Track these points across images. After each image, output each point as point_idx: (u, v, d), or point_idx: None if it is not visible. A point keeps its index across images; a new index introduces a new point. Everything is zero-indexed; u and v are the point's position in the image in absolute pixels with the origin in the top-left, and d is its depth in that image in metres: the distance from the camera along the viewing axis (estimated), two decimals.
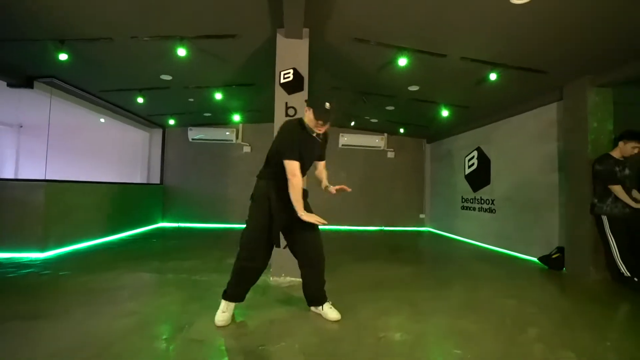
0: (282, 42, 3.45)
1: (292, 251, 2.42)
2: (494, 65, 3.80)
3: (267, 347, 1.96)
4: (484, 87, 4.42)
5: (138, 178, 7.58)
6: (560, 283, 3.64)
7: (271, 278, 3.39)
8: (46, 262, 3.84)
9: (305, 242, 2.33)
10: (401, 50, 3.65)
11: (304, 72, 3.46)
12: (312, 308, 2.47)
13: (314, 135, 2.29)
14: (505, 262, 4.65)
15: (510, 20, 2.95)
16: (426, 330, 2.26)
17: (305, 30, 3.43)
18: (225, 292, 2.32)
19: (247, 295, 2.43)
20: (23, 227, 4.12)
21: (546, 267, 4.31)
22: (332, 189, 2.39)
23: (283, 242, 2.39)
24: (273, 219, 2.22)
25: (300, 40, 3.44)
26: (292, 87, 3.41)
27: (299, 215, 2.14)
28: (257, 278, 2.35)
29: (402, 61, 3.70)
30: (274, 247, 2.30)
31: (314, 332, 2.16)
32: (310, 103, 2.21)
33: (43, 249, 4.17)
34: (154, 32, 3.43)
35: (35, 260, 3.89)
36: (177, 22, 3.29)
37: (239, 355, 1.87)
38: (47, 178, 4.36)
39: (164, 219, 7.77)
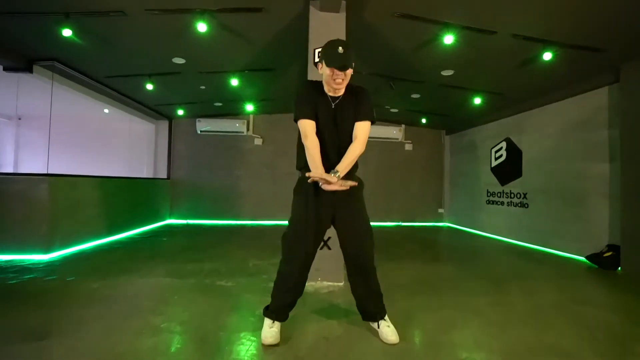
0: (316, 16, 3.05)
1: (343, 254, 2.03)
2: (546, 44, 3.40)
3: None
4: (527, 70, 4.03)
5: (144, 172, 7.18)
6: (624, 284, 3.29)
7: (307, 283, 3.02)
8: (51, 265, 3.46)
9: (351, 243, 1.91)
10: (447, 26, 3.25)
11: None
12: (370, 322, 2.07)
13: (336, 99, 1.86)
14: (546, 260, 4.30)
15: None
16: (510, 347, 1.90)
17: (343, 3, 3.03)
18: (267, 306, 1.96)
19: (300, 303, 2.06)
20: (26, 226, 3.73)
21: (596, 266, 3.96)
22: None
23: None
24: (312, 214, 1.83)
25: (337, 14, 3.04)
26: None
27: (320, 184, 1.72)
28: (296, 289, 1.95)
29: (448, 39, 3.30)
30: (317, 250, 1.95)
31: (381, 353, 1.80)
32: (321, 56, 1.83)
33: (47, 250, 3.79)
34: (173, 3, 3.01)
35: (39, 264, 3.51)
36: None
37: None
38: (50, 172, 3.96)
39: (171, 215, 7.38)
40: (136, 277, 3.12)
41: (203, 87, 5.33)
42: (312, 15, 3.06)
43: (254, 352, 1.78)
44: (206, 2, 3.03)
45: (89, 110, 5.88)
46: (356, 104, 1.86)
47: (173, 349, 1.78)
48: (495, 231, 6.21)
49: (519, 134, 5.70)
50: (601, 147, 4.16)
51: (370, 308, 1.99)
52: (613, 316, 2.42)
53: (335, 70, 1.74)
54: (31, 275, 3.06)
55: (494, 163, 6.32)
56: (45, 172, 3.87)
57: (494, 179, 6.32)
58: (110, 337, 1.89)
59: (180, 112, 6.77)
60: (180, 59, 4.17)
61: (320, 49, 2.93)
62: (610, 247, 3.93)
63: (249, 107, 6.64)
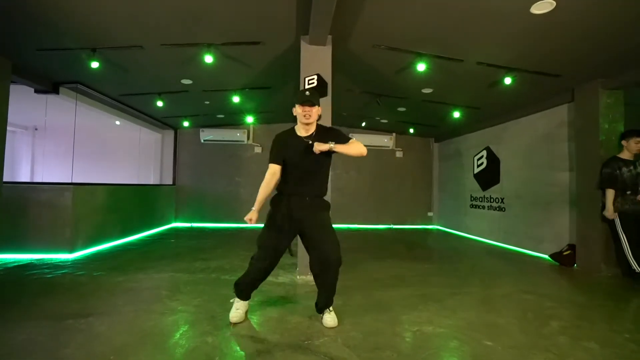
0: (306, 48, 3.58)
1: (310, 259, 2.40)
2: (508, 70, 3.93)
3: (312, 341, 2.10)
4: (496, 90, 4.56)
5: (151, 179, 7.71)
6: (573, 279, 3.79)
7: (298, 277, 3.53)
8: (77, 263, 3.98)
9: (322, 241, 2.25)
10: (420, 55, 3.78)
11: (328, 77, 3.60)
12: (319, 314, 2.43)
13: (308, 136, 2.29)
14: (517, 259, 4.80)
15: (528, 28, 3.08)
16: (456, 323, 2.41)
17: (329, 37, 3.55)
18: (238, 289, 2.42)
19: (282, 293, 2.59)
20: (52, 229, 4.25)
21: (557, 263, 4.46)
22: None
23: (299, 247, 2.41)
24: (282, 228, 2.26)
25: (324, 47, 3.57)
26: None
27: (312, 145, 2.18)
28: (264, 278, 2.41)
29: (421, 66, 3.83)
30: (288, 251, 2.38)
31: (353, 327, 2.31)
32: (293, 102, 2.33)
33: (72, 250, 4.31)
34: (184, 39, 3.55)
35: (66, 261, 4.03)
36: (208, 30, 3.42)
37: (288, 349, 2.01)
38: (72, 181, 4.48)
39: (176, 219, 7.90)
40: (152, 272, 3.63)
41: (207, 102, 5.87)
42: (302, 48, 3.59)
43: (253, 325, 2.29)
44: (212, 37, 3.57)
45: (101, 122, 6.42)
46: (332, 138, 2.28)
47: (190, 325, 2.29)
48: (478, 233, 6.72)
49: (497, 144, 6.23)
50: (563, 158, 4.68)
51: (329, 300, 2.36)
52: (550, 302, 2.92)
53: (305, 107, 2.24)
54: (64, 271, 3.58)
55: (477, 170, 6.84)
56: (68, 181, 4.38)
57: (476, 185, 6.83)
58: (140, 316, 2.40)
59: (186, 123, 7.32)
60: (188, 80, 4.72)
61: (309, 77, 3.48)
62: (570, 246, 4.44)
63: (249, 119, 7.18)
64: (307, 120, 2.27)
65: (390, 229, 8.11)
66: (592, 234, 4.02)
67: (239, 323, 2.33)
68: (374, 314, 2.52)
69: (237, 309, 2.38)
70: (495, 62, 3.84)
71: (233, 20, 3.27)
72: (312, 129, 2.34)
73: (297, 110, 2.29)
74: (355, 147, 2.24)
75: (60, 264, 3.91)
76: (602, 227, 3.89)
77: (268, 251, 2.30)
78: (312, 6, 2.86)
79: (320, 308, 2.39)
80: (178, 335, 2.12)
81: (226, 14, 3.16)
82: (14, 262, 3.94)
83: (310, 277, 3.49)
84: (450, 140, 7.86)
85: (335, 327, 2.30)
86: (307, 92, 2.29)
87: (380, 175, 8.33)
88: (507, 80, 3.98)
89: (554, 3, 2.62)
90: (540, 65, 3.84)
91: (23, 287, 3.06)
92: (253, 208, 2.27)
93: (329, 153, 2.23)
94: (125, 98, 5.40)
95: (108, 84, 4.80)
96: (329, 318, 2.33)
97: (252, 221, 2.24)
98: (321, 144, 2.15)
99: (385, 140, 8.15)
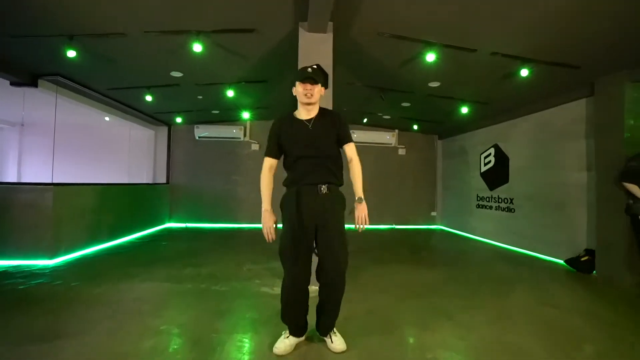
0: (304, 36, 3.25)
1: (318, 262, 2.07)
2: (524, 61, 3.61)
3: None
4: (509, 83, 4.24)
5: (144, 177, 7.39)
6: (594, 288, 3.49)
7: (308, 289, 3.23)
8: (56, 271, 3.67)
9: (324, 257, 1.97)
10: (429, 45, 3.46)
11: (328, 68, 3.26)
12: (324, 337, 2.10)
13: (309, 119, 2.01)
14: (529, 264, 4.51)
15: (550, 12, 2.76)
16: (473, 345, 2.11)
17: (330, 24, 3.23)
18: (286, 323, 2.07)
19: (276, 308, 2.27)
20: (32, 233, 3.95)
21: (574, 270, 4.17)
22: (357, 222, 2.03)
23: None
24: (296, 230, 1.95)
25: (324, 35, 3.25)
26: None
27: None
28: (303, 295, 2.02)
29: (430, 56, 3.51)
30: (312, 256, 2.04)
31: (358, 353, 2.01)
32: (293, 82, 2.05)
33: (53, 255, 4.01)
34: (170, 26, 3.23)
35: (45, 269, 3.72)
36: (195, 16, 3.09)
37: None
38: (54, 181, 4.17)
39: (171, 219, 7.60)
40: (136, 281, 3.33)
41: (200, 97, 5.54)
42: (301, 35, 3.26)
43: (243, 351, 1.99)
44: (201, 24, 3.24)
45: (90, 118, 6.09)
46: (334, 126, 2.03)
47: (171, 349, 1.99)
48: (484, 234, 6.42)
49: (505, 141, 5.91)
50: (579, 156, 4.36)
51: (326, 322, 2.06)
52: (575, 318, 2.62)
53: (306, 85, 1.94)
54: (39, 281, 3.28)
55: (483, 168, 6.53)
56: (49, 181, 4.07)
57: (483, 184, 6.52)
58: (114, 338, 2.10)
59: (179, 119, 6.99)
60: (178, 72, 4.39)
61: (307, 67, 3.16)
62: (587, 251, 4.14)
63: (245, 115, 6.85)
64: (308, 99, 1.97)
65: (392, 229, 7.81)
66: (614, 239, 3.72)
67: (282, 355, 1.97)
68: (380, 335, 2.22)
69: (286, 338, 2.04)
70: (511, 52, 3.52)
71: (223, 5, 2.94)
72: (315, 111, 2.04)
73: (298, 89, 2.00)
74: (359, 168, 2.10)
75: (38, 271, 3.60)
76: (625, 231, 3.59)
77: (291, 264, 1.94)
78: None
79: (324, 330, 2.07)
80: None
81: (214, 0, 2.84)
82: None
83: (313, 287, 3.21)
84: (455, 137, 7.54)
85: (344, 351, 1.99)
86: (310, 69, 1.98)
87: (382, 173, 8.01)
88: (524, 72, 3.66)
89: None
90: (559, 56, 3.52)
91: None
92: (263, 208, 2.01)
93: (334, 137, 2.03)
94: (112, 92, 5.07)
95: (92, 77, 4.46)
96: (338, 342, 2.03)
97: (272, 229, 1.98)
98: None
99: (388, 137, 7.83)
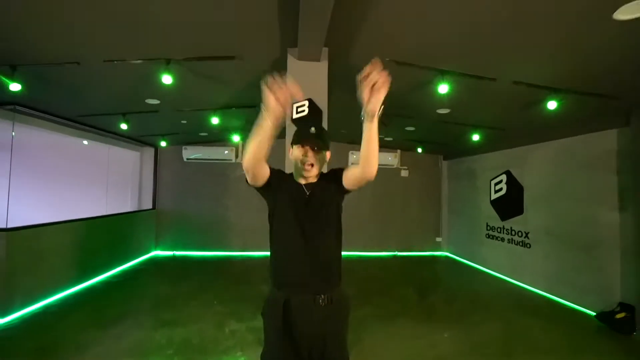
0: (294, 65, 2.74)
1: None
2: (553, 90, 3.09)
3: None
4: (532, 110, 3.72)
5: (128, 203, 6.82)
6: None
7: None
8: (4, 335, 3.11)
9: None
10: (442, 73, 2.94)
11: (323, 101, 2.76)
12: None
13: (307, 184, 1.57)
14: (554, 315, 3.95)
15: (603, 38, 2.25)
16: None
17: (324, 50, 2.72)
18: None
19: None
20: None
21: (606, 325, 3.61)
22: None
23: None
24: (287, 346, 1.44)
25: (317, 63, 2.73)
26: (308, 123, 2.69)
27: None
28: None
29: (443, 88, 2.98)
30: None
31: None
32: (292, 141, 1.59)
33: (4, 312, 3.44)
34: (134, 54, 2.71)
35: None
36: (161, 43, 2.59)
37: None
38: (10, 225, 3.62)
39: (157, 247, 7.03)
40: (90, 356, 2.76)
41: (184, 122, 5.02)
42: (290, 64, 2.75)
43: None
44: (170, 52, 2.72)
45: (64, 143, 5.49)
46: (332, 179, 1.56)
47: None
48: (496, 268, 5.86)
49: (520, 168, 5.38)
50: (610, 192, 3.83)
51: None
52: None
53: (309, 151, 1.49)
54: None
55: (494, 196, 5.99)
56: (3, 224, 3.53)
57: (493, 213, 5.98)
58: None
59: (163, 143, 6.45)
60: (154, 100, 3.87)
61: (298, 104, 2.63)
62: (622, 306, 3.59)
63: (235, 138, 6.34)
64: (307, 173, 1.53)
65: (394, 256, 7.26)
66: None
67: None
68: None
69: None
70: (538, 82, 3.00)
71: (195, 30, 2.43)
72: (313, 178, 1.55)
73: (294, 152, 1.55)
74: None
75: None
76: None
77: None
78: (300, 14, 2.03)
79: None
80: None
81: (183, 25, 2.33)
82: None
83: None
84: (461, 159, 7.02)
85: None
86: (313, 129, 1.51)
87: (384, 196, 7.46)
88: (552, 105, 3.14)
89: None
90: (592, 86, 3.01)
91: None
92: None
93: (337, 197, 1.56)
94: (85, 119, 4.55)
95: (55, 105, 3.94)
96: None
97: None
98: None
99: (390, 159, 7.30)
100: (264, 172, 1.46)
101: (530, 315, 3.92)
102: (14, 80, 2.73)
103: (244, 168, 1.40)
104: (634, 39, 2.22)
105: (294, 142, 1.57)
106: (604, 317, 3.66)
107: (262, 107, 1.27)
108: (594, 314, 3.86)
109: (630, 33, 2.13)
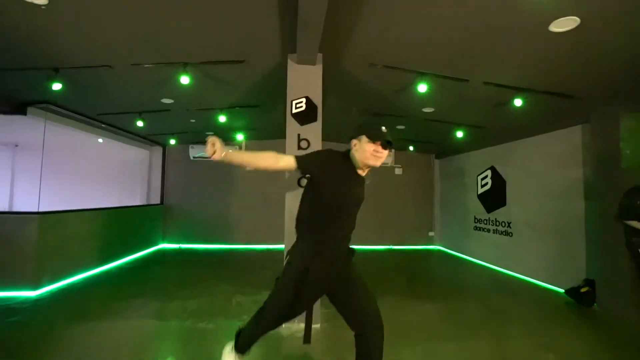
0: (293, 68, 3.21)
1: (345, 318, 1.85)
2: (518, 90, 3.56)
3: None
4: (504, 110, 4.18)
5: (137, 198, 7.29)
6: (596, 326, 3.36)
7: (283, 325, 3.10)
8: (37, 305, 3.54)
9: (358, 299, 1.81)
10: (421, 75, 3.41)
11: (318, 100, 3.22)
12: None
13: (362, 174, 1.82)
14: (528, 294, 4.37)
15: (545, 47, 2.71)
16: None
17: (319, 56, 3.19)
18: (236, 343, 1.97)
19: (263, 350, 2.37)
20: (14, 264, 3.83)
21: (574, 301, 4.03)
22: None
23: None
24: (304, 296, 1.77)
25: (313, 67, 3.20)
26: (305, 117, 3.16)
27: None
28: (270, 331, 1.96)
29: (422, 87, 3.45)
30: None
31: None
32: (359, 131, 1.75)
33: (36, 286, 3.88)
34: (158, 58, 3.19)
35: (26, 302, 3.59)
36: (183, 49, 3.06)
37: None
38: (40, 210, 4.07)
39: (164, 240, 7.47)
40: (118, 319, 3.19)
41: (193, 121, 5.49)
42: (290, 67, 3.21)
43: None
44: (188, 56, 3.20)
45: (83, 140, 6.02)
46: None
47: None
48: (483, 258, 6.28)
49: (503, 164, 5.83)
50: (577, 184, 4.27)
51: None
52: None
53: (379, 147, 1.70)
54: (14, 319, 3.13)
55: (480, 190, 6.44)
56: (36, 209, 3.98)
57: (480, 206, 6.42)
58: None
59: (173, 141, 6.94)
60: (169, 99, 4.34)
61: (296, 100, 3.10)
62: (587, 281, 4.01)
63: (239, 137, 6.81)
64: (374, 162, 1.73)
65: (390, 250, 7.67)
66: (615, 272, 3.60)
67: None
68: None
69: (237, 356, 1.96)
70: (504, 83, 3.47)
71: (210, 39, 2.91)
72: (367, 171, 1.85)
73: (364, 145, 1.70)
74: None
75: (17, 306, 3.47)
76: (628, 264, 3.46)
77: (277, 319, 1.88)
78: (298, 23, 2.50)
79: None
80: None
81: (201, 33, 2.80)
82: None
83: (298, 326, 3.08)
84: (452, 157, 7.47)
85: None
86: (384, 128, 1.73)
87: (379, 193, 7.89)
88: (517, 102, 3.60)
89: (578, 20, 2.25)
90: (553, 86, 3.47)
91: None
92: (226, 150, 1.61)
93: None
94: (103, 117, 5.03)
95: (81, 104, 4.43)
96: None
97: (215, 145, 1.58)
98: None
99: None
100: (284, 167, 1.73)
101: (507, 295, 4.34)
102: (56, 80, 3.21)
103: None
104: (589, 48, 2.66)
105: (365, 135, 1.70)
106: (571, 292, 4.09)
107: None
108: (563, 291, 4.28)
109: (567, 42, 2.59)
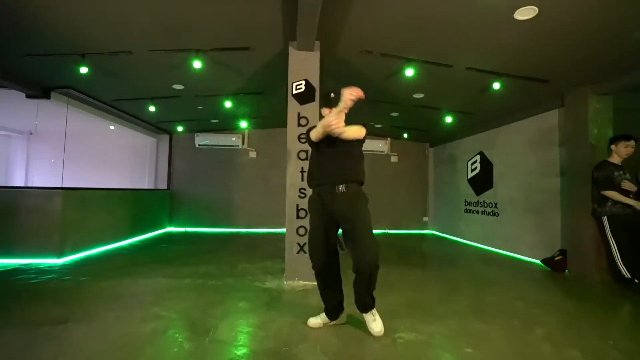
0: (294, 54, 3.59)
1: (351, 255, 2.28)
2: (497, 75, 3.93)
3: (290, 348, 2.07)
4: (487, 95, 4.56)
5: (146, 184, 7.70)
6: (563, 285, 3.76)
7: (285, 282, 3.51)
8: (64, 268, 3.95)
9: (355, 246, 2.21)
10: (409, 61, 3.78)
11: (315, 83, 3.60)
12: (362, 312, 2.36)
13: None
14: (510, 265, 4.77)
15: (515, 34, 3.08)
16: (438, 331, 2.38)
17: (317, 43, 3.56)
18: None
19: (267, 299, 2.59)
20: (41, 234, 4.24)
21: (549, 269, 4.43)
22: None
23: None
24: (321, 228, 2.30)
25: (311, 53, 3.58)
26: (304, 97, 3.55)
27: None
28: (330, 283, 2.39)
29: (409, 72, 3.84)
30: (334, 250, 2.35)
31: (333, 334, 2.28)
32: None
33: (60, 255, 4.29)
34: (173, 45, 3.57)
35: (54, 266, 4.00)
36: (196, 36, 3.43)
37: (265, 356, 1.98)
38: (63, 186, 4.47)
39: (170, 223, 7.88)
40: (138, 278, 3.60)
41: (200, 107, 5.87)
42: (291, 53, 3.60)
43: (233, 332, 2.27)
44: (200, 44, 3.57)
45: (96, 127, 6.43)
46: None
47: (169, 331, 2.27)
48: (472, 238, 6.69)
49: (490, 149, 6.22)
50: (554, 163, 4.66)
51: (359, 298, 2.29)
52: (537, 309, 2.89)
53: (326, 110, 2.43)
54: (49, 276, 3.56)
55: (470, 174, 6.83)
56: (59, 185, 4.37)
57: (470, 190, 6.81)
58: (119, 323, 2.38)
59: (180, 128, 7.33)
60: (180, 85, 4.72)
61: (296, 82, 3.48)
62: (561, 251, 4.41)
63: (243, 124, 7.19)
64: (327, 119, 2.22)
65: (385, 233, 8.07)
66: (583, 240, 3.99)
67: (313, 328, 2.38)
68: (357, 322, 2.48)
69: (319, 316, 2.44)
70: (484, 68, 3.85)
71: (220, 27, 3.28)
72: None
73: (324, 112, 2.52)
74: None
75: (47, 269, 3.88)
76: (593, 232, 3.87)
77: (315, 254, 2.33)
78: (298, 13, 2.87)
79: (358, 306, 2.34)
80: (155, 342, 2.10)
81: (212, 22, 3.18)
82: (1, 267, 3.92)
83: (296, 283, 3.49)
84: (445, 145, 7.86)
85: (380, 333, 2.25)
86: (332, 95, 2.40)
87: (376, 180, 8.29)
88: (496, 86, 3.99)
89: (537, 9, 2.63)
90: (529, 71, 3.84)
91: (7, 292, 3.04)
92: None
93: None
94: (118, 103, 5.41)
95: (100, 89, 4.81)
96: (373, 324, 2.29)
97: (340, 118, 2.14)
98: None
99: (380, 145, 8.14)
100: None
101: (490, 265, 4.75)
102: (83, 65, 3.60)
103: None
104: (553, 35, 3.02)
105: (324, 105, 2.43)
106: (547, 261, 4.49)
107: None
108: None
109: (531, 29, 2.96)
